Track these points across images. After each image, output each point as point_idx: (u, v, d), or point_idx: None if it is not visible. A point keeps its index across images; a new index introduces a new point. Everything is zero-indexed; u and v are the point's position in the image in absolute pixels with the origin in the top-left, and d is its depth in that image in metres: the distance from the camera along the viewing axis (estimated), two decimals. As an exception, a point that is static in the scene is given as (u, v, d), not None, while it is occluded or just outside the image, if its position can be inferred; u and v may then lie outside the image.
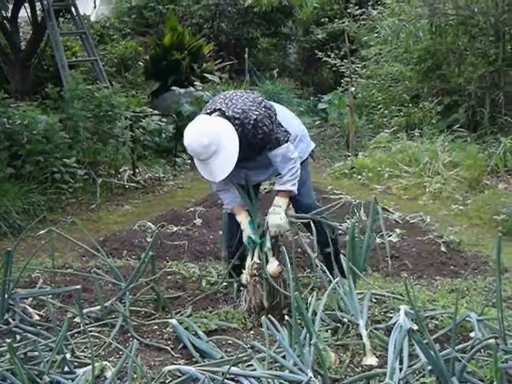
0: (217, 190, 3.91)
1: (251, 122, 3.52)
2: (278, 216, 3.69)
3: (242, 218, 3.79)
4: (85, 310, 3.54)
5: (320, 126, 11.79)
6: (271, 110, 3.66)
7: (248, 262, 3.69)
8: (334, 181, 8.09)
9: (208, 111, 3.61)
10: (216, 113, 3.56)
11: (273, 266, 3.61)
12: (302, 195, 3.83)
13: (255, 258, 3.65)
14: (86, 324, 3.42)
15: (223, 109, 3.55)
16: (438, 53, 9.95)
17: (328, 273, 3.77)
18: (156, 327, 3.52)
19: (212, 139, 3.38)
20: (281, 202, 3.72)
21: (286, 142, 3.66)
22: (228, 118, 3.51)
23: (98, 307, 3.60)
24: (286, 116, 3.90)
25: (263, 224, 3.75)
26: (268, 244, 3.69)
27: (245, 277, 3.69)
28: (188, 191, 7.56)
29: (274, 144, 3.63)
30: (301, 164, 3.81)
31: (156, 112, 8.86)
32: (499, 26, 9.04)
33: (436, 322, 3.53)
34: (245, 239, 3.73)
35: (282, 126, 3.70)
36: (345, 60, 12.09)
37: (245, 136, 3.52)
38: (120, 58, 10.53)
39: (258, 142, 3.59)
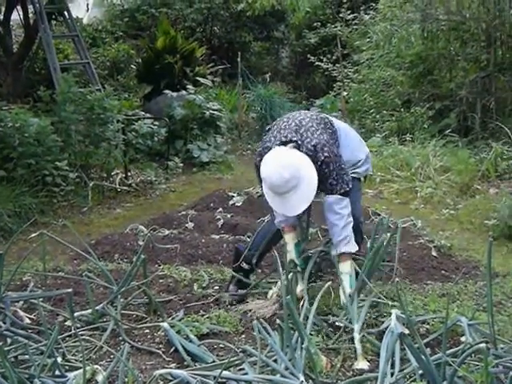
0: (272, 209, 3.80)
1: (318, 161, 3.51)
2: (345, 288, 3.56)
3: (290, 240, 3.75)
4: (76, 314, 3.53)
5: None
6: (338, 157, 3.62)
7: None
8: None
9: (283, 140, 3.56)
10: (291, 144, 3.53)
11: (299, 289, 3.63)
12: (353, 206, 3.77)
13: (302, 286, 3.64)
14: (78, 327, 3.42)
15: (299, 142, 3.53)
16: (430, 58, 9.99)
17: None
18: (147, 331, 3.53)
19: (293, 173, 3.34)
20: (343, 268, 3.61)
21: (339, 193, 3.60)
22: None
23: (90, 311, 3.60)
24: (354, 143, 3.89)
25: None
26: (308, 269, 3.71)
27: (271, 293, 3.78)
28: (180, 195, 7.56)
29: (329, 189, 3.59)
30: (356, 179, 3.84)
31: (148, 115, 8.84)
32: (490, 32, 9.08)
33: (427, 326, 3.55)
34: (288, 260, 3.65)
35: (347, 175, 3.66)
36: (337, 64, 12.14)
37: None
38: (112, 61, 10.52)
39: (322, 180, 3.53)
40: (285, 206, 3.46)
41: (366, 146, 4.08)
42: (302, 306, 3.47)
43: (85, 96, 7.16)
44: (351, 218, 3.65)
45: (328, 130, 3.70)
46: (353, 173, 3.82)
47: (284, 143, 3.54)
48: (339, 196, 3.61)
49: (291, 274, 3.61)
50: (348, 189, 3.63)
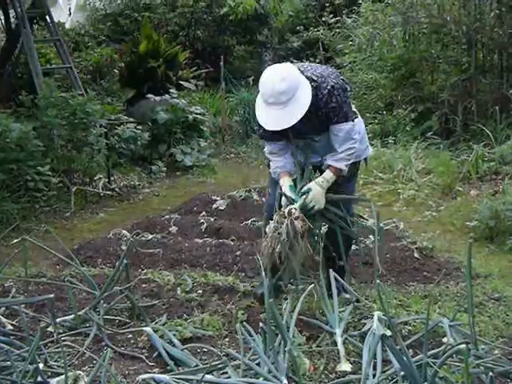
0: (270, 153, 3.82)
1: (327, 87, 3.51)
2: (322, 190, 3.62)
3: (284, 181, 3.71)
4: (58, 319, 3.52)
5: (295, 133, 11.84)
6: (348, 85, 3.68)
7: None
8: (309, 188, 8.12)
9: None
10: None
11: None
12: (349, 190, 3.85)
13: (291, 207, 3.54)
14: (60, 333, 3.40)
15: (301, 69, 3.55)
16: (412, 61, 10.06)
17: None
18: (130, 336, 3.51)
19: (289, 87, 3.36)
20: (329, 177, 3.65)
21: (353, 120, 3.65)
22: (306, 78, 3.50)
23: (72, 316, 3.58)
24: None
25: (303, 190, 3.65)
26: (299, 202, 3.57)
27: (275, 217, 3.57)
28: (163, 199, 7.55)
29: (342, 118, 3.59)
30: (355, 168, 3.86)
31: (131, 120, 8.82)
32: (471, 35, 9.16)
33: (409, 327, 3.56)
34: (283, 200, 3.64)
35: (351, 106, 3.72)
36: (320, 68, 12.17)
37: (317, 101, 3.50)
38: (95, 66, 10.47)
39: (327, 111, 3.56)
40: (267, 118, 3.48)
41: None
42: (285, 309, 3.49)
43: (67, 101, 7.13)
44: (357, 145, 3.70)
45: (336, 72, 3.73)
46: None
47: None
48: (353, 121, 3.65)
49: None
50: (357, 117, 3.74)
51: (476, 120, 8.75)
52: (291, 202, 3.60)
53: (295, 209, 3.50)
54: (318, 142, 3.75)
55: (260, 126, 3.64)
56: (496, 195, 6.28)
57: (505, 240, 5.28)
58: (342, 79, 3.68)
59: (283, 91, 3.34)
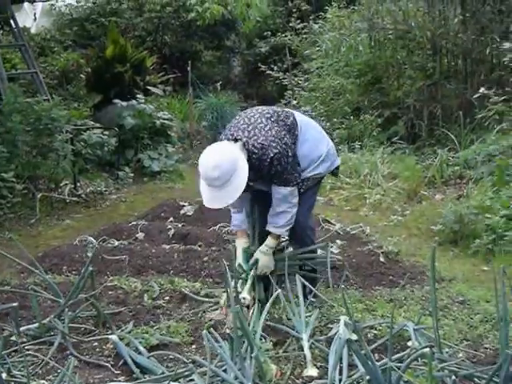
0: (232, 207, 3.93)
1: (267, 159, 3.58)
2: (268, 257, 3.83)
3: (239, 244, 3.92)
4: (22, 328, 3.47)
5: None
6: (291, 149, 3.70)
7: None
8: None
9: (230, 138, 3.64)
10: (237, 143, 3.60)
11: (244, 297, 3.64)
12: (301, 212, 3.86)
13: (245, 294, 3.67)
14: (23, 342, 3.36)
15: (244, 140, 3.60)
16: (378, 66, 10.18)
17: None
18: (96, 344, 3.48)
19: (222, 174, 3.42)
20: (272, 244, 3.84)
21: (294, 186, 3.73)
22: (247, 150, 3.58)
23: (36, 325, 3.54)
24: (314, 137, 3.93)
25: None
26: (251, 274, 3.79)
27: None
28: (131, 205, 7.50)
29: (282, 183, 3.70)
30: (318, 181, 3.96)
31: (97, 125, 8.75)
32: (436, 40, 9.30)
33: (375, 331, 3.59)
34: (236, 265, 3.77)
35: (299, 166, 3.77)
36: (287, 73, 12.24)
37: (260, 169, 3.61)
38: (61, 71, 10.37)
39: (270, 175, 3.67)
40: (207, 196, 3.54)
41: (329, 140, 4.09)
42: (253, 313, 3.49)
43: (32, 106, 7.04)
44: (295, 210, 3.79)
45: (280, 122, 3.74)
46: (315, 174, 3.88)
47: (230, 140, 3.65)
48: (292, 187, 3.72)
49: (239, 280, 3.71)
50: (299, 180, 3.78)
51: (441, 125, 8.87)
52: (244, 270, 3.81)
53: (244, 298, 3.62)
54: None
55: None
56: (460, 199, 6.38)
57: (469, 244, 5.36)
58: (285, 143, 3.66)
59: (217, 177, 3.42)
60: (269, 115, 3.76)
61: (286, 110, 4.00)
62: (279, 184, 3.70)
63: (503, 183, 6.15)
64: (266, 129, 3.66)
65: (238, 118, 3.84)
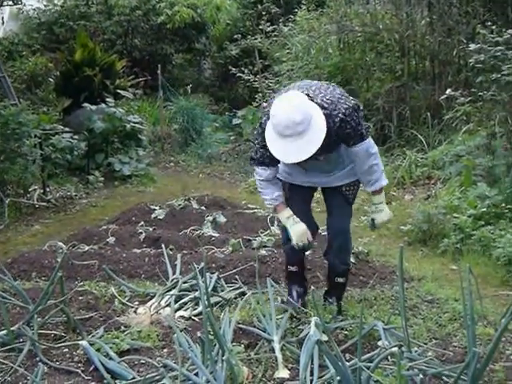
0: (265, 180, 3.65)
1: (340, 114, 3.37)
2: (383, 213, 3.77)
3: (284, 216, 3.69)
4: (-10, 336, 3.42)
5: (235, 141, 11.91)
6: (356, 101, 3.54)
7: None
8: (248, 195, 8.16)
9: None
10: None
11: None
12: (341, 215, 3.88)
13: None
14: (-8, 350, 3.31)
15: (311, 95, 3.36)
16: (347, 68, 10.27)
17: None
18: (66, 350, 3.44)
19: (304, 118, 3.18)
20: (379, 199, 3.75)
21: (369, 136, 3.55)
22: (317, 104, 3.34)
23: (5, 332, 3.49)
24: None
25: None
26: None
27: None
28: (101, 209, 7.45)
29: (358, 139, 3.49)
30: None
31: (67, 129, 8.69)
32: (404, 43, 9.42)
33: (346, 332, 3.61)
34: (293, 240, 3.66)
35: (363, 119, 3.59)
36: (258, 76, 12.27)
37: (329, 129, 3.31)
38: (30, 75, 10.30)
39: (341, 137, 3.45)
40: (286, 150, 3.28)
41: None
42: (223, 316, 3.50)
43: (-2, 111, 6.98)
44: (379, 158, 3.66)
45: (344, 92, 3.56)
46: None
47: None
48: (368, 138, 3.54)
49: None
50: (370, 129, 3.67)
51: (410, 126, 8.98)
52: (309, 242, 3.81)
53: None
54: (322, 160, 3.57)
55: (257, 151, 3.57)
56: (429, 199, 6.46)
57: (437, 243, 5.43)
58: (353, 99, 3.53)
59: (300, 121, 3.17)
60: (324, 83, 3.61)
61: None
62: (356, 142, 3.48)
63: (470, 183, 6.24)
64: (330, 89, 3.49)
65: (290, 87, 3.59)
